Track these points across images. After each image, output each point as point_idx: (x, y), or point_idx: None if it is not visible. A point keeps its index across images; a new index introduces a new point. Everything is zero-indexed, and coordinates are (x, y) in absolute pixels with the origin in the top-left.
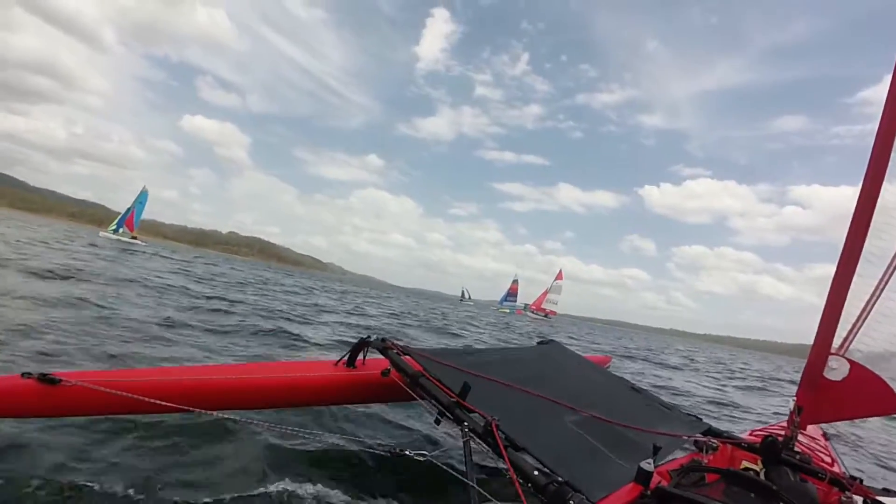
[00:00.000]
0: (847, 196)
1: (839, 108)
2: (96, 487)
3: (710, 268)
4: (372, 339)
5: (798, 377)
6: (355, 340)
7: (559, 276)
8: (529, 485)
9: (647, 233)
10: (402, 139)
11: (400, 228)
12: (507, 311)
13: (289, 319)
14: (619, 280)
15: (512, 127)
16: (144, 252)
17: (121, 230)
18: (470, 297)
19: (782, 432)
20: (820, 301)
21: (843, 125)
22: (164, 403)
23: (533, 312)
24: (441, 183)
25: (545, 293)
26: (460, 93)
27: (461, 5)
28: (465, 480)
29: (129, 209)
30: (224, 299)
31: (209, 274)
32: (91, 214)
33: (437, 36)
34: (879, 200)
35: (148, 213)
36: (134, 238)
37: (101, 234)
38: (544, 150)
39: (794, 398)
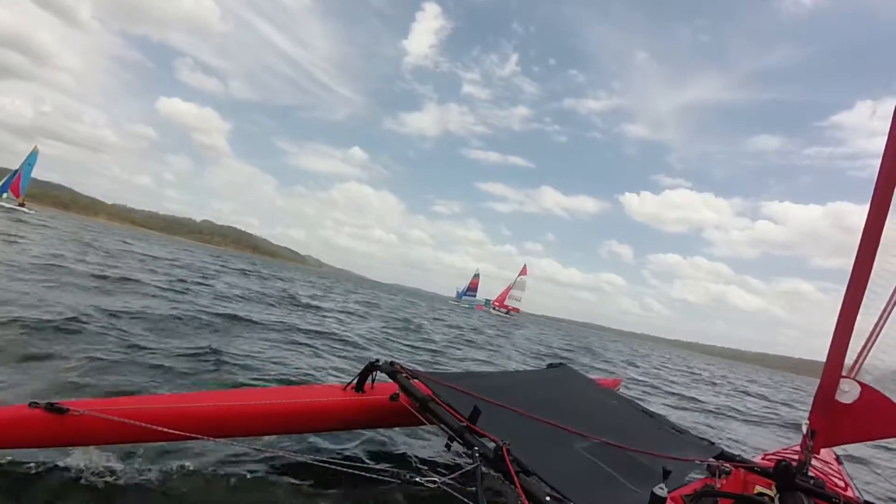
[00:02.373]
0: (816, 214)
1: (812, 131)
2: None
3: (685, 276)
4: (380, 363)
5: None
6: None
7: (523, 272)
8: None
9: (626, 239)
10: (387, 133)
11: (381, 224)
12: (467, 306)
13: None
14: (596, 284)
15: (498, 127)
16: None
17: (5, 195)
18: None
19: (796, 456)
20: (785, 315)
21: (815, 147)
22: (172, 431)
23: (495, 309)
24: (425, 180)
25: (508, 289)
26: (447, 90)
27: (452, 1)
28: None
29: (15, 171)
30: None
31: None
32: (55, 197)
33: (426, 31)
34: (888, 220)
35: (118, 199)
36: (21, 205)
37: None
38: (529, 153)
39: (808, 422)
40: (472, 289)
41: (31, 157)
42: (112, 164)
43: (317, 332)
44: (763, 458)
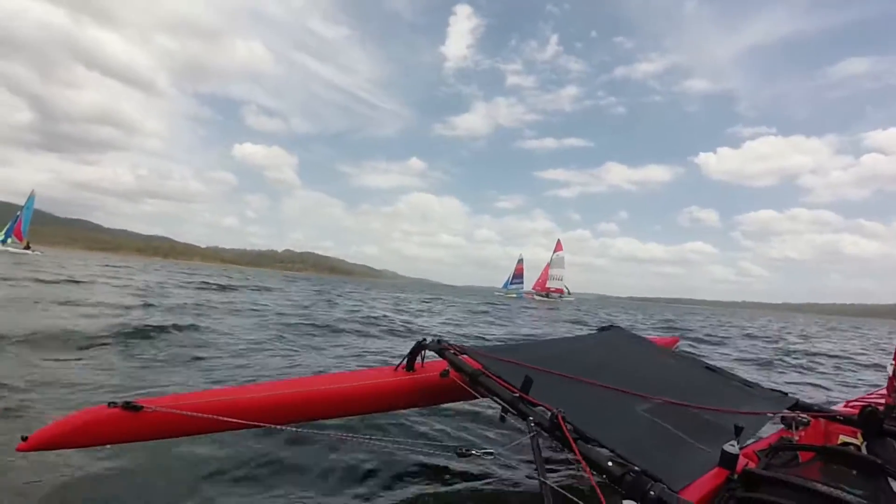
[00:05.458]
0: None
1: None
2: None
3: (783, 232)
4: (428, 342)
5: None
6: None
7: (558, 247)
8: (604, 476)
9: (708, 203)
10: (440, 139)
11: (448, 228)
12: (515, 295)
13: None
14: (681, 256)
15: (550, 112)
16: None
17: (9, 240)
18: (570, 293)
19: (882, 401)
20: None
21: None
22: (237, 421)
23: (538, 295)
24: (484, 178)
25: (547, 269)
26: (492, 85)
27: None
28: (536, 476)
29: (16, 217)
30: None
31: None
32: (156, 248)
33: (461, 33)
34: None
35: (211, 242)
36: (27, 248)
37: None
38: (586, 132)
39: (893, 363)
40: (517, 276)
41: (30, 201)
42: (202, 211)
43: None
44: (845, 406)
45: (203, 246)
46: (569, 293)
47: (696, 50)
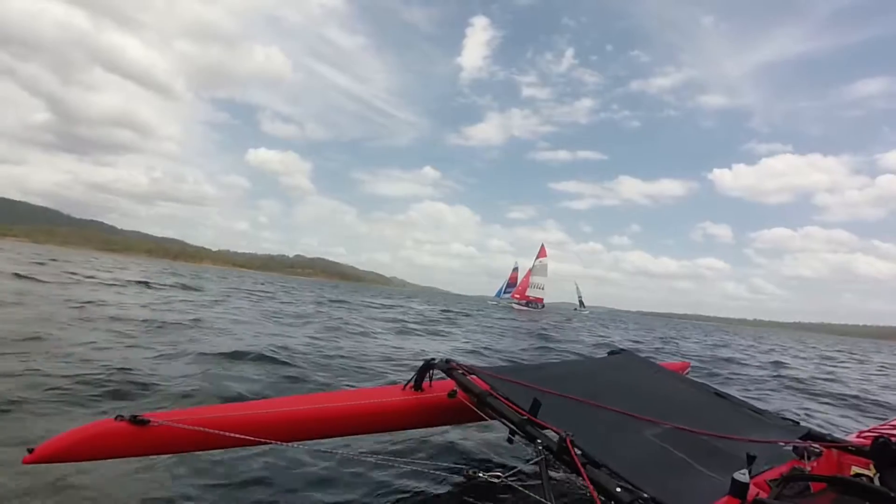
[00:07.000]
0: None
1: None
2: None
3: (796, 250)
4: (436, 361)
5: None
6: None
7: (542, 254)
8: (612, 502)
9: (722, 219)
10: (454, 149)
11: (459, 238)
12: (504, 304)
13: None
14: (694, 271)
15: (564, 124)
16: None
17: None
18: (585, 306)
19: (895, 432)
20: None
21: None
22: (244, 437)
23: (518, 303)
24: (497, 188)
25: (528, 275)
26: (507, 97)
27: (499, 10)
28: (543, 501)
29: None
30: None
31: None
32: (166, 249)
33: (477, 44)
34: None
35: (223, 245)
36: None
37: None
38: (600, 144)
39: None
40: (510, 285)
41: None
42: (215, 215)
43: None
44: (858, 437)
45: (214, 249)
46: (583, 306)
47: (711, 65)
